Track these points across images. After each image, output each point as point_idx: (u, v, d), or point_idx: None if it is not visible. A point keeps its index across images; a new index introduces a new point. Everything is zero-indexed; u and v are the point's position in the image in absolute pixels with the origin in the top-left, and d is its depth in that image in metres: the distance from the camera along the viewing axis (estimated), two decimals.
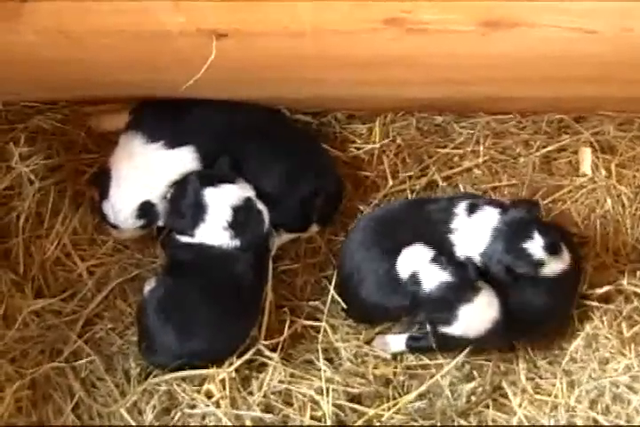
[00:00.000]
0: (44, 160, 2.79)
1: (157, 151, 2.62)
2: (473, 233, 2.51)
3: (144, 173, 2.61)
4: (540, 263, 2.45)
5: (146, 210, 2.62)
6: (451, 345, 2.56)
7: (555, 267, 2.47)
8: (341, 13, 2.02)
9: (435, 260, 2.46)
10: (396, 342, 2.67)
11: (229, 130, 2.68)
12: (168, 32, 2.10)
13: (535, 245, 2.43)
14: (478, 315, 2.45)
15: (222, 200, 2.53)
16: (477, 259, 2.51)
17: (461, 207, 2.56)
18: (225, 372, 2.53)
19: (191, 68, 2.19)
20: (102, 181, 2.63)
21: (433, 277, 2.44)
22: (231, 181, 2.57)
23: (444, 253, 2.48)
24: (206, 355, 2.54)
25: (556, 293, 2.58)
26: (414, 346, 2.64)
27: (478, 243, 2.50)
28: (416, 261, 2.48)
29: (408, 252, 2.50)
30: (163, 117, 2.67)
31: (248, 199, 2.57)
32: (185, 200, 2.55)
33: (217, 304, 2.53)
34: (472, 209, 2.54)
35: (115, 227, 2.66)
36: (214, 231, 2.53)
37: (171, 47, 2.19)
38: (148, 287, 2.62)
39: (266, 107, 2.77)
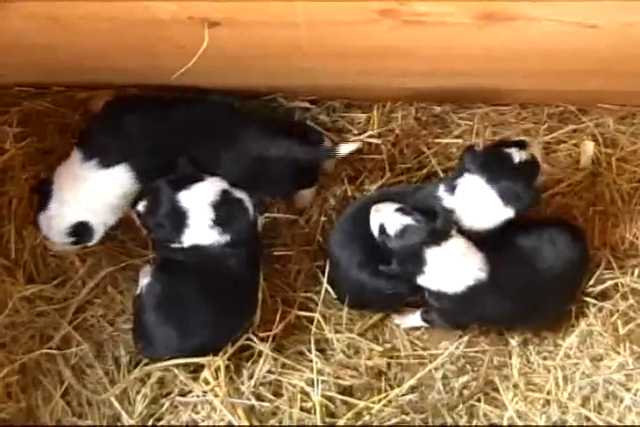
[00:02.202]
0: (38, 144, 2.77)
1: (92, 171, 2.53)
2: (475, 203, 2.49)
3: (82, 193, 2.53)
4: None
5: (80, 231, 2.54)
6: (444, 305, 2.50)
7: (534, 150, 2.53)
8: (336, 4, 1.99)
9: (399, 209, 2.47)
10: (413, 317, 2.68)
11: (167, 136, 2.57)
12: (160, 20, 2.07)
13: (516, 153, 2.46)
14: (450, 263, 2.41)
15: (199, 200, 2.46)
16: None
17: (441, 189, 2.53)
18: (220, 360, 2.51)
19: (184, 55, 2.16)
20: (43, 192, 2.55)
21: (397, 223, 2.44)
22: (200, 179, 2.50)
23: None
24: (206, 349, 2.52)
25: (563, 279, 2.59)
26: (430, 319, 2.64)
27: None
28: (382, 214, 2.48)
29: (375, 208, 2.51)
30: (99, 132, 2.58)
31: (224, 192, 2.50)
32: (161, 210, 2.46)
33: (215, 299, 2.49)
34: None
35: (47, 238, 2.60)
36: (201, 233, 2.47)
37: (163, 35, 2.16)
38: (144, 280, 2.56)
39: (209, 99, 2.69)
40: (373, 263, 2.52)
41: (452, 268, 2.40)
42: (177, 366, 2.54)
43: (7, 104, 2.80)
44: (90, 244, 2.61)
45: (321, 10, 2.02)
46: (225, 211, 2.48)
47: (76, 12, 2.06)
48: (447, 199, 2.50)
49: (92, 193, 2.53)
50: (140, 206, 2.49)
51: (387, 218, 2.46)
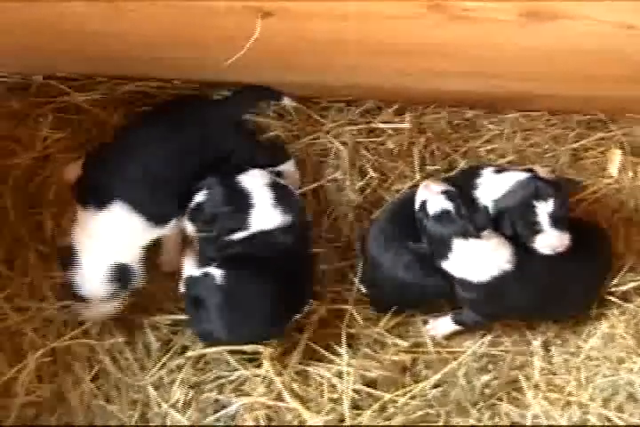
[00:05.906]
0: (77, 133, 2.82)
1: (93, 214, 2.51)
2: (496, 184, 2.56)
3: (99, 239, 2.51)
4: (538, 230, 2.48)
5: (119, 273, 2.52)
6: (468, 293, 2.53)
7: (550, 241, 2.48)
8: None
9: (445, 192, 2.51)
10: (445, 323, 2.71)
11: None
12: (215, 8, 2.13)
13: (543, 210, 2.46)
14: (476, 255, 2.46)
15: (258, 182, 2.56)
16: (490, 205, 2.53)
17: (489, 170, 2.62)
18: (272, 347, 2.57)
19: (233, 47, 2.22)
20: (66, 255, 2.53)
21: (437, 205, 2.48)
22: (248, 169, 2.60)
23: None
24: (268, 337, 2.59)
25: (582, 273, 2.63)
26: (461, 320, 2.67)
27: (497, 191, 2.54)
28: (427, 192, 2.53)
29: (425, 183, 2.57)
30: (87, 179, 2.60)
31: (272, 178, 2.60)
32: (225, 194, 2.54)
33: (282, 289, 2.52)
34: (500, 170, 2.60)
35: (85, 300, 2.54)
36: (266, 213, 2.53)
37: (216, 24, 2.22)
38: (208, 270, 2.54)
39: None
40: (421, 263, 2.56)
41: (476, 260, 2.46)
42: (226, 351, 2.59)
43: (49, 95, 2.85)
44: (133, 286, 2.58)
45: (371, 3, 2.08)
46: (281, 192, 2.57)
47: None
48: (487, 176, 2.60)
49: (107, 235, 2.51)
50: (199, 197, 2.55)
51: (430, 197, 2.51)
